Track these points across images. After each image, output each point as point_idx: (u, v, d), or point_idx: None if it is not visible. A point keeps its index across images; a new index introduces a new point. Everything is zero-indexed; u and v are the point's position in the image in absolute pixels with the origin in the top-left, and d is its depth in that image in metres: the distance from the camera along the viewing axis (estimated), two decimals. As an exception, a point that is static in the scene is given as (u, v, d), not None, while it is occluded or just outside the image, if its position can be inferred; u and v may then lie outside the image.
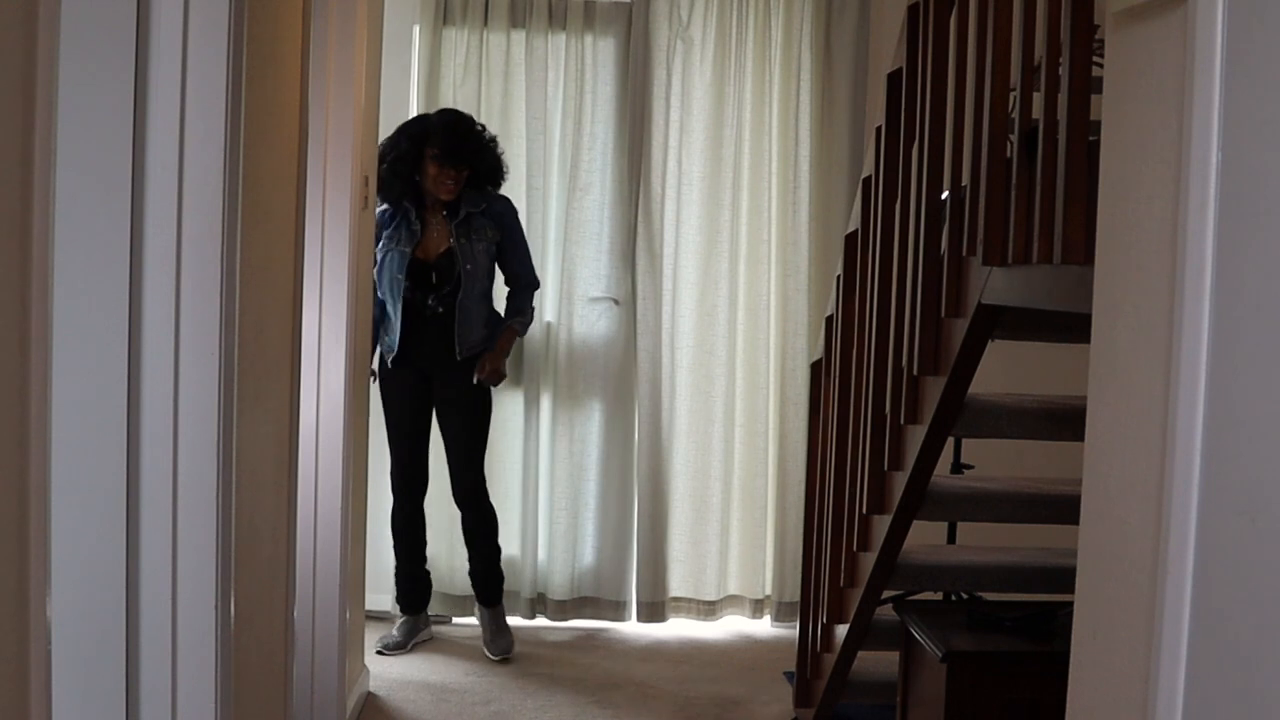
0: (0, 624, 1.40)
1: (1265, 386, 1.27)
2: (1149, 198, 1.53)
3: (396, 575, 4.82)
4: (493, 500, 4.98)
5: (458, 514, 4.96)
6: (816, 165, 5.04)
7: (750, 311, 5.08)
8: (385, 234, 4.57)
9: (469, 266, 4.54)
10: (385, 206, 4.58)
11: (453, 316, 4.57)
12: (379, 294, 4.57)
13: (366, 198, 3.96)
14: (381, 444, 4.92)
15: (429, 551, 4.88)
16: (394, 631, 4.77)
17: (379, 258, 4.54)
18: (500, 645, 4.68)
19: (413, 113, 5.00)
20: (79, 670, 2.10)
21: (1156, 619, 1.41)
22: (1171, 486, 1.39)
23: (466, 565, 4.92)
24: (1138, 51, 1.59)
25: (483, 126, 4.67)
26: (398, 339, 4.55)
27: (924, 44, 2.91)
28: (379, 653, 4.64)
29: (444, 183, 4.52)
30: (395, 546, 4.79)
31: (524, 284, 4.72)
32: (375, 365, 4.66)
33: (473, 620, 5.01)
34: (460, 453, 4.68)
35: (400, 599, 4.83)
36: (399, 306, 4.54)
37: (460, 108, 4.94)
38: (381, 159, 4.50)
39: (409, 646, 4.73)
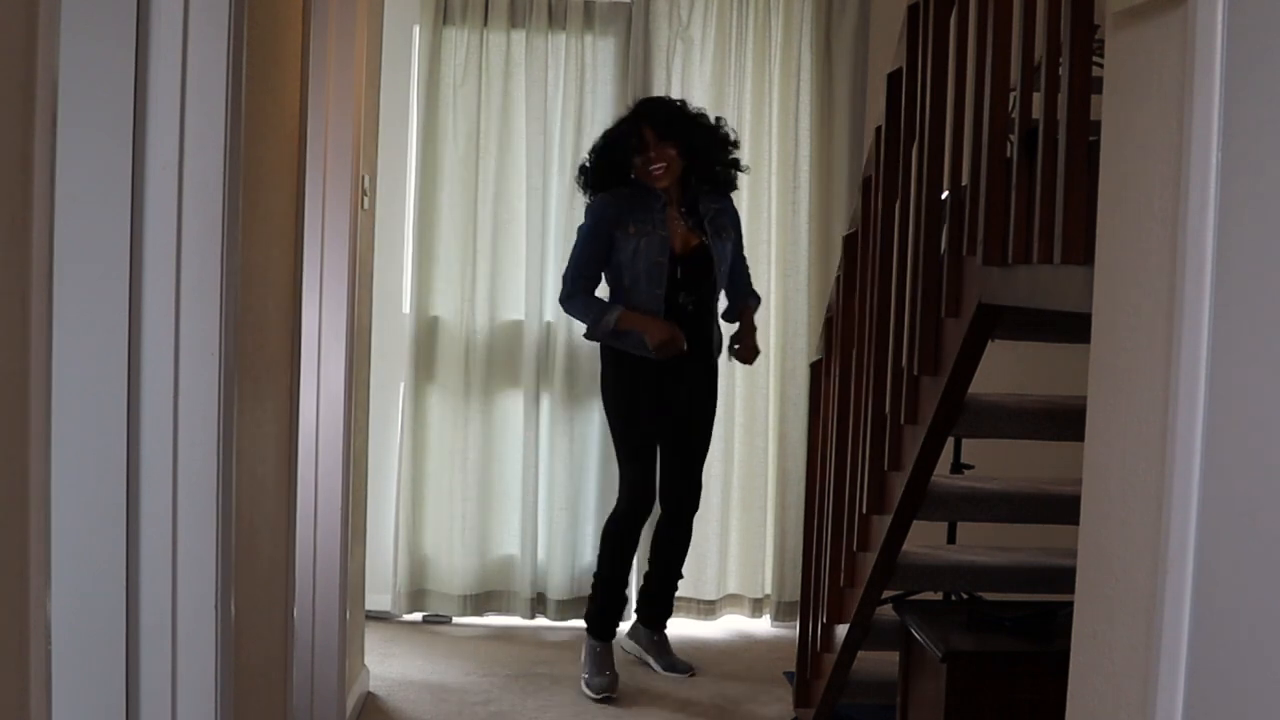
0: (0, 624, 1.40)
1: (1265, 387, 1.27)
2: (1149, 198, 1.53)
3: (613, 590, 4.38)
4: (493, 500, 4.97)
5: (459, 512, 4.97)
6: (816, 165, 5.04)
7: (750, 311, 5.07)
8: (608, 219, 4.25)
9: (723, 267, 4.35)
10: (597, 196, 4.34)
11: (702, 316, 4.33)
12: (610, 281, 4.33)
13: (366, 197, 3.96)
14: (383, 445, 4.91)
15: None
16: (598, 668, 4.28)
17: (613, 244, 4.24)
18: (680, 663, 4.50)
19: (413, 113, 5.01)
20: (79, 670, 2.10)
21: (1156, 619, 1.41)
22: (1171, 486, 1.39)
23: (468, 565, 4.92)
24: (1138, 51, 1.59)
25: (718, 119, 4.42)
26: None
27: (924, 44, 2.91)
28: (604, 699, 4.18)
29: (656, 165, 4.22)
30: (615, 555, 4.37)
31: (746, 284, 4.52)
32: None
33: (474, 620, 5.02)
34: (688, 458, 4.44)
35: (610, 621, 4.37)
36: (660, 295, 4.23)
37: (460, 108, 4.94)
38: (594, 153, 4.35)
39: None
